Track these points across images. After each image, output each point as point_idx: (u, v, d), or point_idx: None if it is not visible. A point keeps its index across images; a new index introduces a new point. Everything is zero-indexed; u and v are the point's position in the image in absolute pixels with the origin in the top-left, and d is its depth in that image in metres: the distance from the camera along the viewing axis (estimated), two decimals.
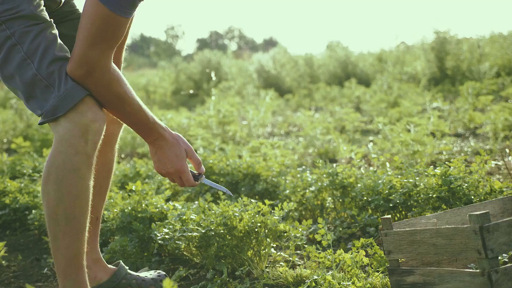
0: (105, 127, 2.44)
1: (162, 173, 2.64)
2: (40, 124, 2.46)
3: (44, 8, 2.54)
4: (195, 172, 2.71)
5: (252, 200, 3.35)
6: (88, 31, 2.33)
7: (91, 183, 2.44)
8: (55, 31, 2.51)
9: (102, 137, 2.44)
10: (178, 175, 2.62)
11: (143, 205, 3.63)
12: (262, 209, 3.26)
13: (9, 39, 2.42)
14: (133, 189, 3.68)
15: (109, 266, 3.06)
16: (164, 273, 3.21)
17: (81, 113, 2.38)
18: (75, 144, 2.37)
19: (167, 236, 3.38)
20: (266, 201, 3.33)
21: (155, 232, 3.43)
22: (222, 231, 3.19)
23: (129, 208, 3.62)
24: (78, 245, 2.42)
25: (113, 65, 2.44)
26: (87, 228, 2.44)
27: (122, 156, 7.56)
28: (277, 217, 3.30)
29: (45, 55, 2.41)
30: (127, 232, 3.56)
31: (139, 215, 3.58)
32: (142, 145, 7.84)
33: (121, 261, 3.13)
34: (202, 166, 2.72)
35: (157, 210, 3.61)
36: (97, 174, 2.84)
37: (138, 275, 3.12)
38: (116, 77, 2.43)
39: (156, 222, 3.53)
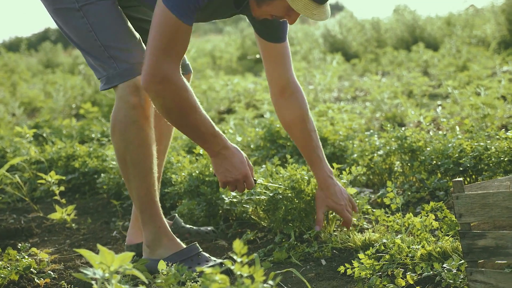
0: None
1: (228, 182, 2.83)
2: (101, 90, 2.88)
3: None
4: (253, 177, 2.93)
5: None
6: (159, 42, 2.57)
7: (151, 131, 2.83)
8: (119, 9, 2.87)
9: None
10: (244, 180, 2.84)
11: (211, 169, 3.65)
12: None
13: (77, 11, 2.81)
14: (201, 152, 3.70)
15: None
16: (212, 228, 3.47)
17: (133, 79, 2.80)
18: (131, 100, 2.79)
19: (234, 200, 3.40)
20: (335, 165, 3.31)
21: (223, 195, 3.45)
22: (289, 194, 3.19)
23: (197, 172, 3.65)
24: (146, 185, 2.87)
25: (183, 77, 2.68)
26: (154, 170, 2.85)
27: None
28: (344, 181, 3.28)
29: (107, 30, 2.80)
30: (194, 196, 3.59)
31: (206, 178, 3.60)
32: (208, 110, 7.88)
33: (176, 215, 3.45)
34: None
35: None
36: (163, 134, 3.17)
37: (192, 227, 3.46)
38: (185, 86, 2.65)
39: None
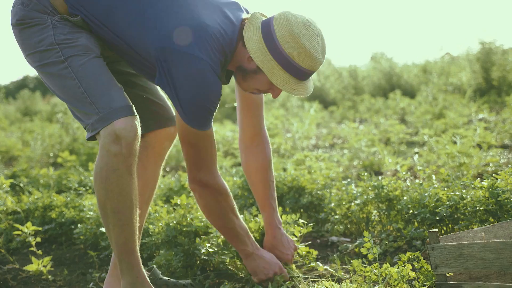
0: (138, 133, 2.82)
1: (263, 279, 3.17)
2: (87, 139, 2.87)
3: (99, 50, 2.97)
4: None
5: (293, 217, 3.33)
6: (193, 158, 2.96)
7: (133, 181, 2.84)
8: (103, 62, 2.92)
9: (139, 143, 2.86)
10: (279, 273, 3.18)
11: (188, 219, 3.65)
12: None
13: (62, 63, 2.85)
14: (178, 203, 3.70)
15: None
16: (190, 281, 3.41)
17: (112, 125, 2.77)
18: (112, 148, 2.77)
19: (211, 250, 3.40)
20: (309, 228, 3.32)
21: (200, 246, 3.44)
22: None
23: (174, 222, 3.64)
24: (125, 234, 2.84)
25: (221, 180, 3.04)
26: (134, 219, 2.86)
27: (167, 169, 7.61)
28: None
29: (90, 77, 2.84)
30: (172, 246, 3.58)
31: (184, 229, 3.60)
32: None
33: (154, 266, 3.40)
34: None
35: (202, 224, 3.62)
36: (146, 185, 3.16)
37: (169, 279, 3.41)
38: (223, 190, 3.05)
39: (201, 236, 3.54)
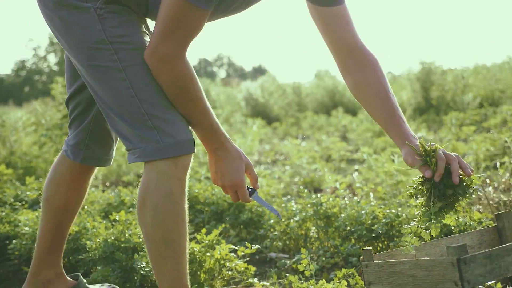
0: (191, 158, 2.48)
1: (218, 185, 2.62)
2: (131, 162, 2.49)
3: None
4: (250, 187, 2.65)
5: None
6: (164, 22, 2.36)
7: (186, 205, 2.47)
8: None
9: (191, 161, 2.49)
10: (235, 189, 2.59)
11: (127, 234, 3.64)
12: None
13: (119, 71, 2.43)
14: (117, 218, 3.69)
15: (69, 279, 3.15)
16: (115, 286, 3.31)
17: (173, 158, 2.41)
18: (166, 169, 2.40)
19: (148, 269, 3.40)
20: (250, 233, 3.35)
21: (138, 262, 3.43)
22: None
23: (112, 238, 3.62)
24: (180, 267, 2.47)
25: (188, 61, 2.45)
26: (187, 251, 2.49)
27: (107, 184, 7.55)
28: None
29: (154, 98, 2.43)
30: (109, 263, 3.56)
31: (122, 245, 3.58)
32: (128, 173, 7.84)
33: (80, 274, 3.23)
34: (258, 183, 2.71)
35: (141, 240, 3.62)
36: (72, 196, 2.99)
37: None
38: (187, 74, 2.43)
39: (140, 252, 3.53)
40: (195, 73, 2.48)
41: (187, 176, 2.47)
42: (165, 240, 2.43)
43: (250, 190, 2.62)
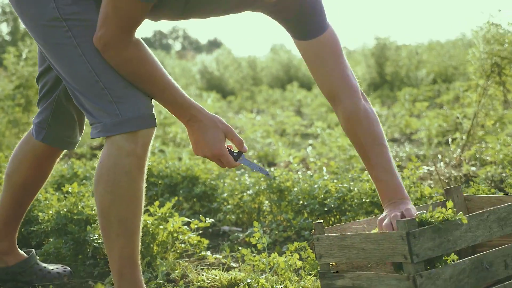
0: (155, 130, 2.46)
1: (199, 155, 2.59)
2: (93, 137, 2.44)
3: None
4: (235, 151, 2.61)
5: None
6: (106, 10, 2.33)
7: (143, 184, 2.45)
8: None
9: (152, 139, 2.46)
10: (217, 158, 2.55)
11: (79, 207, 3.62)
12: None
13: (74, 47, 2.41)
14: (70, 190, 3.66)
15: (21, 252, 3.16)
16: (70, 269, 3.31)
17: (134, 133, 2.39)
18: (126, 146, 2.37)
19: (100, 241, 3.39)
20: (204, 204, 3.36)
21: (91, 234, 3.42)
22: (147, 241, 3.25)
23: (65, 210, 3.60)
24: (132, 246, 2.45)
25: (139, 44, 2.41)
26: (140, 229, 2.46)
27: (60, 156, 7.46)
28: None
29: (111, 72, 2.41)
30: (62, 234, 3.54)
31: (74, 217, 3.56)
32: (81, 145, 7.78)
33: (33, 250, 3.24)
34: (245, 145, 2.64)
35: (93, 212, 3.60)
36: (32, 176, 2.98)
37: (45, 267, 3.24)
38: (136, 58, 2.40)
39: (92, 225, 3.52)
40: (147, 55, 2.44)
41: (148, 153, 2.45)
42: (119, 218, 2.41)
43: (235, 154, 2.59)
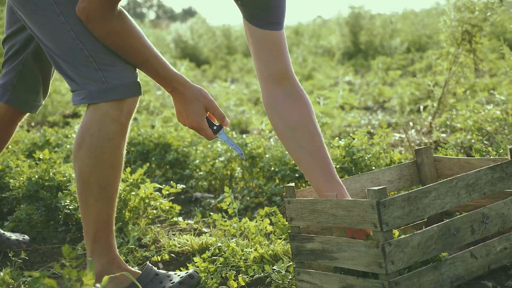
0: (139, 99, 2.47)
1: (181, 124, 2.62)
2: (76, 104, 2.45)
3: None
4: (216, 124, 2.61)
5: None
6: None
7: (124, 151, 2.48)
8: None
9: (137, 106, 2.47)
10: (196, 130, 2.59)
11: (51, 173, 3.61)
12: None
13: (57, 15, 2.39)
14: (41, 157, 3.66)
15: None
16: (28, 237, 3.33)
17: (119, 101, 2.41)
18: (110, 112, 2.39)
19: (72, 207, 3.40)
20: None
21: (62, 201, 3.42)
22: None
23: (36, 176, 3.59)
24: (109, 211, 2.47)
25: (122, 16, 2.41)
26: (117, 194, 2.49)
27: (32, 124, 7.44)
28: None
29: (96, 40, 2.40)
30: (33, 201, 3.54)
31: (46, 183, 3.56)
32: (54, 113, 7.73)
33: None
34: (227, 119, 2.65)
35: (65, 178, 3.60)
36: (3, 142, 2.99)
37: (4, 233, 3.27)
38: (118, 30, 2.39)
39: (64, 191, 3.52)
40: (130, 27, 2.44)
41: (131, 121, 2.47)
42: (100, 183, 2.43)
43: (215, 127, 2.60)
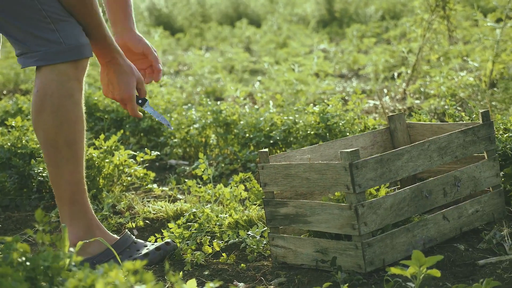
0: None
1: (109, 97, 2.61)
2: (26, 66, 2.45)
3: None
4: (141, 98, 2.63)
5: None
6: None
7: (84, 107, 2.48)
8: None
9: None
10: (124, 102, 2.57)
11: (24, 141, 3.58)
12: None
13: None
14: (13, 124, 3.62)
15: None
16: None
17: (77, 61, 2.43)
18: (67, 71, 2.40)
19: (46, 173, 3.37)
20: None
21: (35, 168, 3.40)
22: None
23: (9, 144, 3.57)
24: (80, 170, 2.48)
25: None
26: (84, 153, 2.49)
27: (4, 92, 7.35)
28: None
29: (54, 2, 2.38)
30: (6, 168, 3.51)
31: (19, 151, 3.53)
32: (26, 81, 7.66)
33: None
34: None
35: (38, 146, 3.57)
36: None
37: None
38: None
39: (37, 158, 3.50)
40: None
41: (84, 78, 2.49)
42: (67, 142, 2.43)
43: (140, 101, 2.62)
